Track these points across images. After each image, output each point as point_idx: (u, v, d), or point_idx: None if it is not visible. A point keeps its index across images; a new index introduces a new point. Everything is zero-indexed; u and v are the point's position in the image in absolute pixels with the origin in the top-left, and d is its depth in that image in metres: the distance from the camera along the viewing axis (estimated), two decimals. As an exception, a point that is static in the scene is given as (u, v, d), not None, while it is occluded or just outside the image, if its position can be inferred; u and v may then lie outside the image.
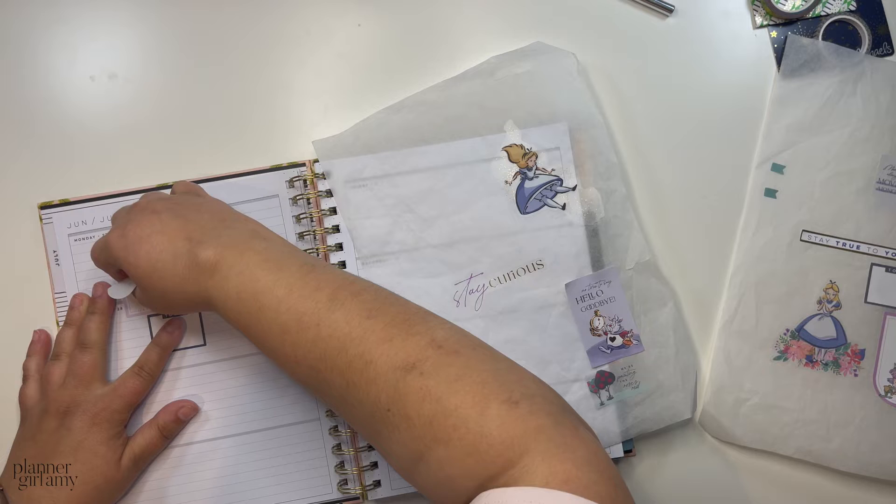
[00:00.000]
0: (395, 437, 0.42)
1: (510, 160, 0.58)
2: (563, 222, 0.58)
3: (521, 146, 0.58)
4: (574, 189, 0.58)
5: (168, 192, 0.58)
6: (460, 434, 0.40)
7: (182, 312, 0.57)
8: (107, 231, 0.57)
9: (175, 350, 0.58)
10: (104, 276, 0.58)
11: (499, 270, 0.58)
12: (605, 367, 0.57)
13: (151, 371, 0.56)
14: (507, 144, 0.58)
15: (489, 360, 0.43)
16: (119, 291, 0.55)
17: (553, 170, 0.58)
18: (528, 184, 0.58)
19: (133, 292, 0.54)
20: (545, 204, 0.58)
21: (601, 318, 0.57)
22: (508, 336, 0.57)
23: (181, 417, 0.56)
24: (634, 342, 0.57)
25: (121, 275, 0.56)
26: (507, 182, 0.58)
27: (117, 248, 0.50)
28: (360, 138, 0.59)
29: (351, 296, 0.45)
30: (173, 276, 0.48)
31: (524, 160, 0.58)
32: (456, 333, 0.44)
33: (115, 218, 0.55)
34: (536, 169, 0.58)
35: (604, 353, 0.57)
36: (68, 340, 0.57)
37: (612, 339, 0.57)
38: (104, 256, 0.53)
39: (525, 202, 0.58)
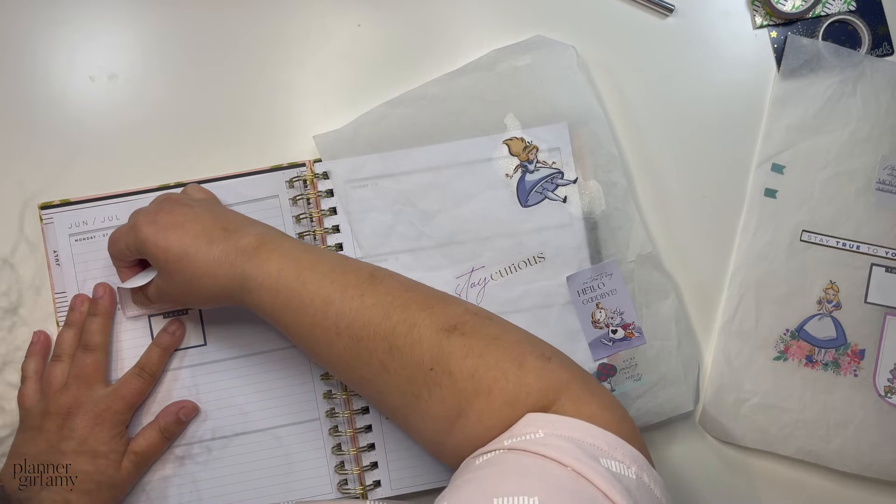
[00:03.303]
0: (437, 395, 0.44)
1: (511, 153, 0.58)
2: (564, 215, 0.58)
3: (522, 139, 0.58)
4: (575, 182, 0.58)
5: (175, 191, 0.58)
6: (501, 385, 0.43)
7: (199, 303, 0.53)
8: (108, 231, 0.57)
9: (176, 350, 0.58)
10: (104, 277, 0.58)
11: (500, 264, 0.58)
12: (607, 360, 0.57)
13: (153, 371, 0.56)
14: (508, 137, 0.58)
15: (517, 327, 0.47)
16: (132, 282, 0.54)
17: (554, 163, 0.58)
18: (528, 177, 0.58)
19: (144, 287, 0.53)
20: (546, 197, 0.58)
21: (603, 311, 0.57)
22: (509, 334, 0.57)
23: (182, 418, 0.56)
24: (636, 334, 0.57)
25: (130, 271, 0.55)
26: (507, 175, 0.58)
27: (147, 232, 0.50)
28: (361, 133, 0.59)
29: (388, 275, 0.49)
30: (207, 260, 0.49)
31: (525, 153, 0.58)
32: (483, 309, 0.48)
33: (138, 212, 0.53)
34: (537, 162, 0.58)
35: (605, 345, 0.57)
36: (69, 341, 0.57)
37: (614, 332, 0.57)
38: (127, 240, 0.52)
39: (526, 195, 0.58)
